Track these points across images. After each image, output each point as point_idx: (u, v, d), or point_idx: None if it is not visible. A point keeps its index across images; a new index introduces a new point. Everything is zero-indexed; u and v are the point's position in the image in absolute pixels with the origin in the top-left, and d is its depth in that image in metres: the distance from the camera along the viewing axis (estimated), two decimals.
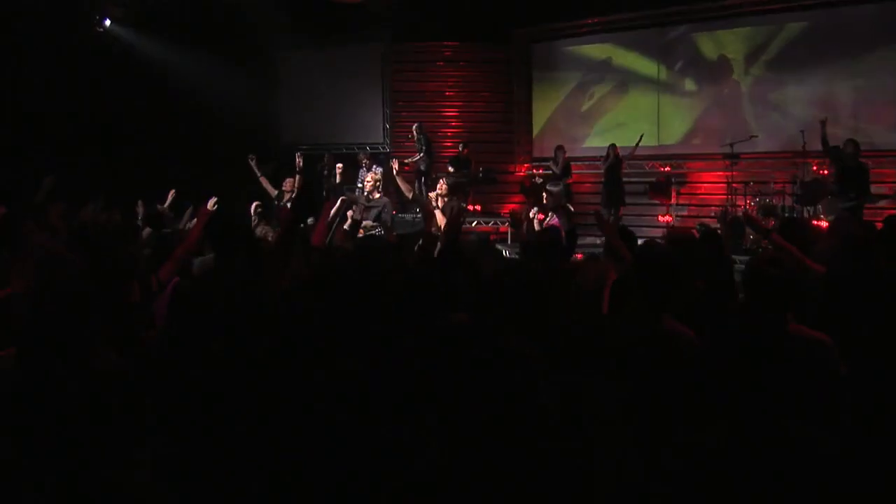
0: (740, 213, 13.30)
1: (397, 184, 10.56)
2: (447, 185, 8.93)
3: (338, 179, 11.20)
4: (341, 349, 3.79)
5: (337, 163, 14.73)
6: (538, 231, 7.46)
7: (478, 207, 17.27)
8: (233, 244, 4.54)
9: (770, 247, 5.42)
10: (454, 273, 4.46)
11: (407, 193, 9.86)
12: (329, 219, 6.74)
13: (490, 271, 4.42)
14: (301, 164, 11.05)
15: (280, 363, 3.75)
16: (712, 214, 14.38)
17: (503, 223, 16.74)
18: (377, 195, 10.63)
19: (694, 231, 6.39)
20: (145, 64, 16.08)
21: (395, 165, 10.60)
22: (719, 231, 6.00)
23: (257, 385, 3.68)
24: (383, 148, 18.87)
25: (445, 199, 8.79)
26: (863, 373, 3.57)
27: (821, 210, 12.60)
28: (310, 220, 8.55)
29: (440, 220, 8.64)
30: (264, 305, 3.94)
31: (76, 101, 14.05)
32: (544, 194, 9.56)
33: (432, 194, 8.94)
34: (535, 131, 19.00)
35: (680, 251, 4.38)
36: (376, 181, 10.78)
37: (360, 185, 12.60)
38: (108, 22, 15.80)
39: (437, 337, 3.84)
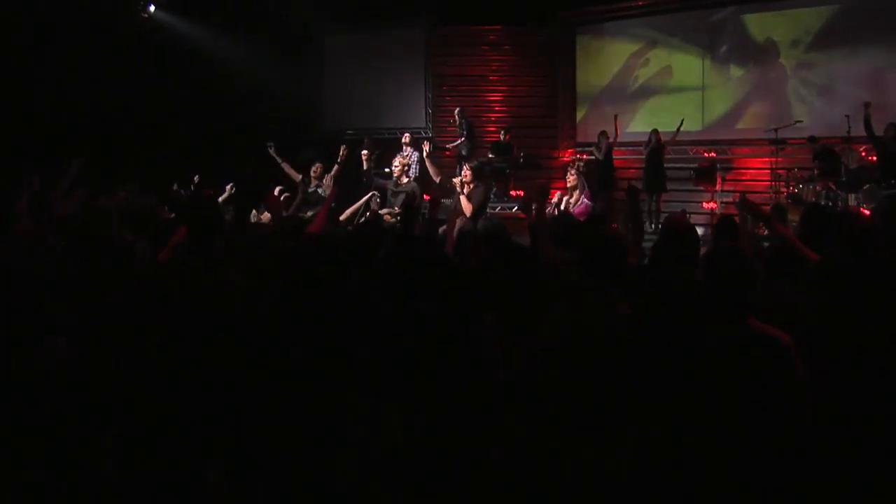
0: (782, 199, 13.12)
1: (426, 167, 10.51)
2: (472, 170, 8.84)
3: (365, 165, 11.17)
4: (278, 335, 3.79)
5: (375, 148, 14.71)
6: (553, 216, 7.35)
7: (520, 193, 17.12)
8: (198, 230, 4.53)
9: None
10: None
11: (435, 178, 9.80)
12: (329, 208, 6.71)
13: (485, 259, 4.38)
14: (344, 155, 11.01)
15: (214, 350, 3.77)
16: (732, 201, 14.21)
17: None
18: (405, 180, 10.57)
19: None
20: (188, 49, 16.20)
21: (427, 147, 10.52)
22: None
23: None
24: (425, 133, 18.73)
25: (471, 185, 8.72)
26: (860, 368, 3.45)
27: (861, 198, 12.30)
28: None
29: (465, 206, 8.58)
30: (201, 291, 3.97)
31: (118, 86, 14.18)
32: (569, 178, 9.43)
33: (456, 180, 8.86)
34: (579, 116, 18.81)
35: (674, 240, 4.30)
36: (404, 166, 10.71)
37: (386, 169, 12.56)
38: (152, 8, 15.93)
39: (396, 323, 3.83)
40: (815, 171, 13.29)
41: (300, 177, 11.12)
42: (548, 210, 9.47)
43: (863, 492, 3.40)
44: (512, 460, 3.55)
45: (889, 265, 3.83)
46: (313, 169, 11.06)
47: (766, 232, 8.97)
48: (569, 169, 9.63)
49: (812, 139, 13.91)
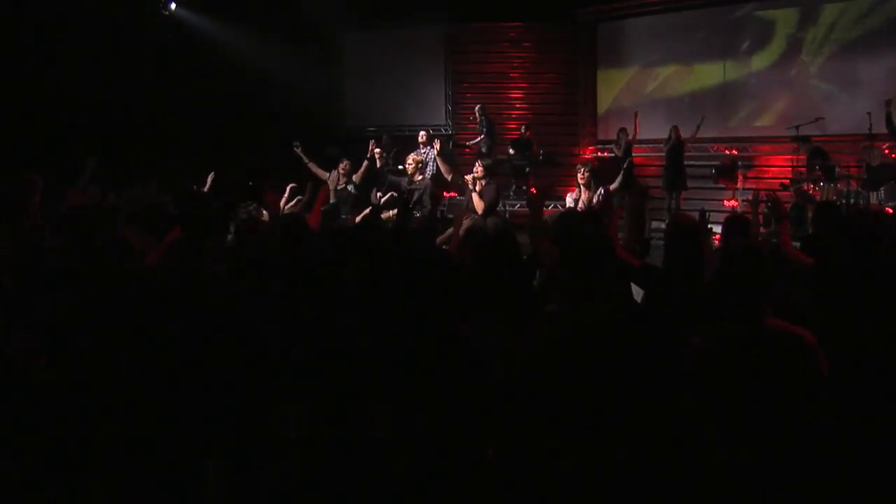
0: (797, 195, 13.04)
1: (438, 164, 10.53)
2: (483, 166, 8.79)
3: (378, 164, 11.17)
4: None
5: (393, 145, 14.75)
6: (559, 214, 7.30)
7: (533, 190, 17.04)
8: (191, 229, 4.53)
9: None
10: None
11: (447, 175, 9.79)
12: (323, 203, 6.69)
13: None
14: (373, 150, 11.05)
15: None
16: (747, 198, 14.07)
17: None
18: (419, 177, 10.55)
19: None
20: (206, 47, 16.23)
21: (437, 146, 10.53)
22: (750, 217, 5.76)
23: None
24: (445, 130, 18.80)
25: (482, 182, 8.67)
26: (863, 370, 3.40)
27: (882, 195, 12.19)
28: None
29: (477, 203, 8.53)
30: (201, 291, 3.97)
31: (133, 84, 14.24)
32: (580, 175, 9.35)
33: (468, 177, 8.81)
34: (600, 113, 18.71)
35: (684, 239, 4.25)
36: (418, 163, 10.69)
37: (400, 167, 12.55)
38: (173, 5, 15.97)
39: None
40: (817, 171, 13.30)
41: (328, 175, 11.15)
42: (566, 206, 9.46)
43: (863, 492, 3.35)
44: (512, 460, 3.52)
45: (889, 265, 3.77)
46: (341, 166, 11.08)
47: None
48: (579, 167, 9.51)
49: (803, 139, 13.91)
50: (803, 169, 14.30)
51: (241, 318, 4.07)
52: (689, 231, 4.39)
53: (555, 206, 13.61)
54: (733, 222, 5.37)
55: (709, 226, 5.10)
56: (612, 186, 9.69)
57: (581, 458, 3.36)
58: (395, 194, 10.73)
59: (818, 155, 13.70)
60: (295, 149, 11.68)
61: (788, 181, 14.19)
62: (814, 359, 3.23)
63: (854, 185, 13.12)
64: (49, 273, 4.20)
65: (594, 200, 8.91)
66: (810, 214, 11.73)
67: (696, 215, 5.37)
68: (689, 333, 3.53)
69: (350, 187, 10.82)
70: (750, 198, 6.34)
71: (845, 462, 3.41)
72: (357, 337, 3.85)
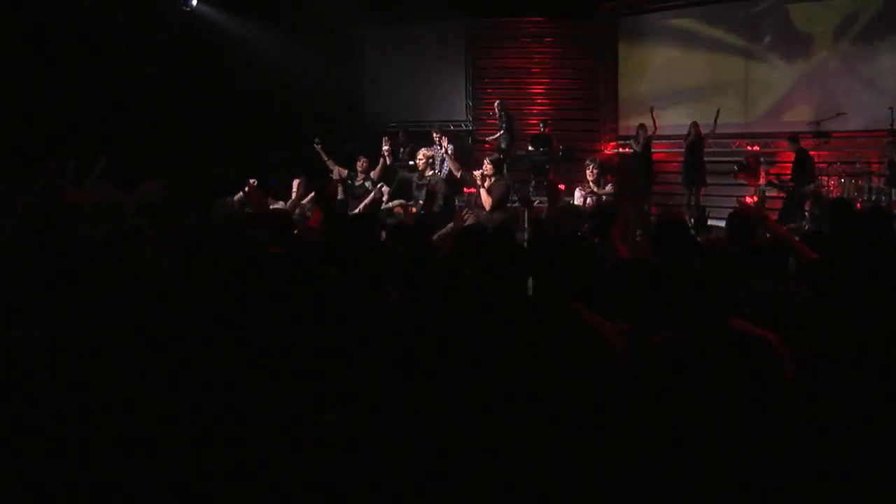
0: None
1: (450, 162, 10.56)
2: (491, 162, 8.76)
3: (388, 161, 11.16)
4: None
5: (409, 141, 14.76)
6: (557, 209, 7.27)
7: (561, 186, 16.98)
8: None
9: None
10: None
11: (456, 173, 9.81)
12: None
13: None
14: (388, 148, 11.10)
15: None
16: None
17: None
18: (430, 173, 10.57)
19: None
20: (229, 43, 16.28)
21: (445, 143, 10.56)
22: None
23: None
24: (465, 126, 18.79)
25: (491, 179, 8.65)
26: (863, 370, 3.37)
27: None
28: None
29: (485, 199, 8.52)
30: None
31: (159, 79, 14.31)
32: (588, 172, 9.34)
33: (477, 173, 8.79)
34: (621, 108, 18.60)
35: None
36: (428, 158, 10.71)
37: (411, 162, 12.57)
38: (194, 1, 16.00)
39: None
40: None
41: (346, 172, 11.21)
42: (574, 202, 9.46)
43: (863, 492, 3.32)
44: (512, 460, 3.52)
45: (889, 265, 3.73)
46: (360, 163, 11.13)
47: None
48: (587, 164, 9.51)
49: (793, 138, 13.79)
50: (823, 165, 14.17)
51: (241, 318, 4.08)
52: (672, 227, 4.36)
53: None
54: (736, 219, 5.31)
55: (708, 223, 5.08)
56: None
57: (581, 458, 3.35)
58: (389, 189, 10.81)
59: (802, 155, 13.79)
60: (315, 145, 11.75)
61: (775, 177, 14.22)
62: (774, 360, 3.22)
63: (876, 182, 13.01)
64: (49, 273, 4.23)
65: (603, 197, 8.92)
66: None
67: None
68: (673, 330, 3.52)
69: (367, 184, 10.86)
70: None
71: (845, 462, 3.38)
72: (357, 337, 3.85)
